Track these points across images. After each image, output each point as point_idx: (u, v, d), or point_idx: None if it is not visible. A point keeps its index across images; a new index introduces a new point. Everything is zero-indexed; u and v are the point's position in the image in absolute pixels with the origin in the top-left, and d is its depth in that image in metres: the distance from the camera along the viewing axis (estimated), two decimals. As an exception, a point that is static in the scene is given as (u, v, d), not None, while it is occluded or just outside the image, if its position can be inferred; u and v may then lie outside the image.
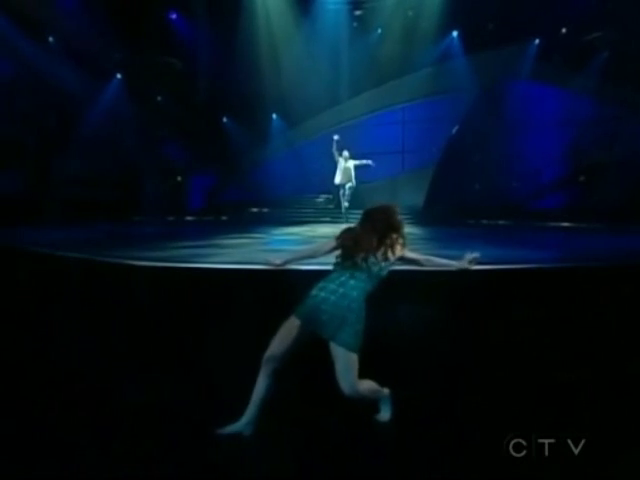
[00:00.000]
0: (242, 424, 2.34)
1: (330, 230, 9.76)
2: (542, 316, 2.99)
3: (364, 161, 9.93)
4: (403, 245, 2.56)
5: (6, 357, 3.19)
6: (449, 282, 2.97)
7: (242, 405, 2.35)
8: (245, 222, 11.85)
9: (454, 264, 2.77)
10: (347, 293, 2.33)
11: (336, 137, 9.84)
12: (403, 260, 2.58)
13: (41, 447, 2.21)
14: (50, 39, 12.06)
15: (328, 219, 12.49)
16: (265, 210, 14.13)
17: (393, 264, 2.50)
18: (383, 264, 2.44)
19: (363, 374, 2.26)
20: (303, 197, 14.39)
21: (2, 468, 2.05)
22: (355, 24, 13.48)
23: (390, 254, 2.46)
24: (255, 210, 14.32)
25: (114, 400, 2.61)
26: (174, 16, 13.32)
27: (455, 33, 12.94)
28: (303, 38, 12.86)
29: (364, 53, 13.23)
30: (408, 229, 9.05)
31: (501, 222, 12.04)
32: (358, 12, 13.28)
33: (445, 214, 12.38)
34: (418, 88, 13.08)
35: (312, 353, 2.35)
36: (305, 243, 6.81)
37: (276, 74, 13.20)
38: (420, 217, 12.43)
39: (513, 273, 3.44)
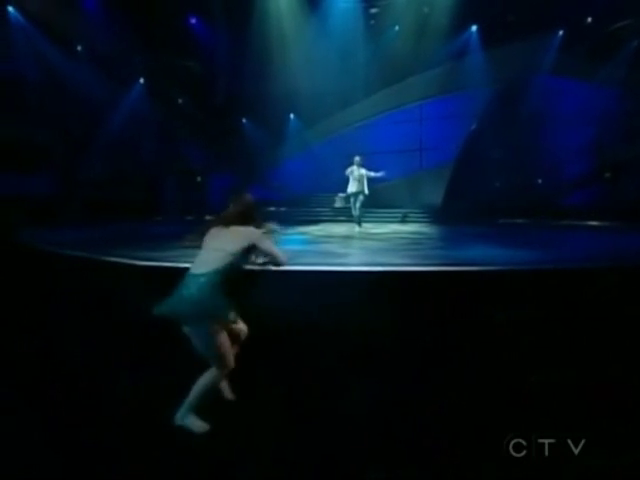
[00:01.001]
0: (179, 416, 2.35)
1: (342, 229, 9.81)
2: (542, 316, 2.93)
3: (378, 173, 9.60)
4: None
5: (14, 350, 3.33)
6: (448, 281, 2.95)
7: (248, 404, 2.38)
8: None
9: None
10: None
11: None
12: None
13: (50, 440, 2.29)
14: (78, 48, 12.58)
15: (343, 218, 12.51)
16: (282, 209, 14.23)
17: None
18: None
19: (364, 374, 2.27)
20: (320, 196, 14.43)
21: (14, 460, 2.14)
22: (371, 22, 13.43)
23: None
24: (273, 209, 14.45)
25: (114, 396, 2.68)
26: (193, 20, 13.57)
27: (474, 27, 12.73)
28: (319, 38, 12.87)
29: (381, 51, 13.18)
30: (424, 228, 8.92)
31: (520, 221, 11.77)
32: (374, 10, 13.23)
33: (464, 212, 12.20)
34: (436, 85, 12.92)
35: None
36: (313, 243, 6.84)
37: (293, 75, 13.28)
38: (438, 216, 12.30)
39: (509, 274, 3.39)
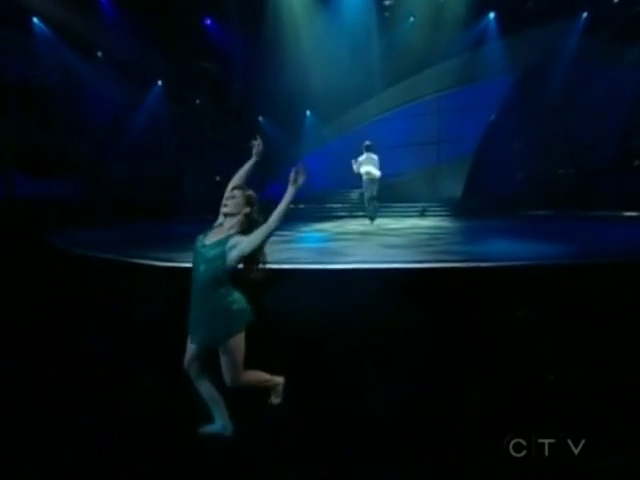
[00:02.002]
0: (218, 426, 2.38)
1: (359, 226, 9.78)
2: (542, 316, 2.90)
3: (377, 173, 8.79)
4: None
5: (43, 345, 3.51)
6: (447, 280, 2.94)
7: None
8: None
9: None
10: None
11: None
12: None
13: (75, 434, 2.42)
14: (99, 54, 12.97)
15: (360, 214, 12.49)
16: (301, 206, 14.30)
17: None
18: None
19: (362, 371, 2.31)
20: (337, 192, 14.44)
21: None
22: (385, 14, 13.28)
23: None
24: (291, 207, 14.52)
25: (138, 392, 2.80)
26: (208, 22, 13.75)
27: (492, 15, 12.42)
28: (333, 33, 12.83)
29: (396, 43, 13.02)
30: (443, 222, 8.79)
31: (543, 213, 11.46)
32: (388, 2, 13.08)
33: (484, 206, 11.98)
34: (453, 76, 12.72)
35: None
36: (330, 240, 6.86)
37: (308, 71, 13.28)
38: (457, 209, 12.12)
39: (512, 270, 3.34)
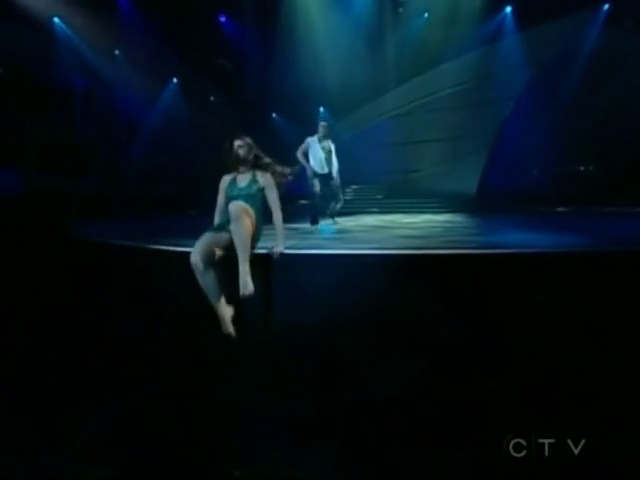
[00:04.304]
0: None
1: (374, 219, 9.75)
2: (543, 316, 2.89)
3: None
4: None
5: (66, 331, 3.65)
6: (449, 272, 2.96)
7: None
8: (294, 214, 12.11)
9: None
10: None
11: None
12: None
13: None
14: (116, 52, 13.18)
15: (376, 209, 12.46)
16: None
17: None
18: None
19: (361, 368, 2.34)
20: (351, 188, 14.41)
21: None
22: (399, 10, 13.15)
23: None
24: (305, 202, 14.57)
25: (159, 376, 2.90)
26: (223, 19, 13.83)
27: (508, 9, 12.19)
28: (347, 29, 12.76)
29: (410, 39, 12.88)
30: (455, 217, 8.65)
31: (562, 209, 11.24)
32: (402, -3, 12.97)
33: (500, 201, 11.82)
34: (469, 71, 12.51)
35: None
36: (345, 232, 6.87)
37: (322, 67, 13.26)
38: (473, 204, 11.99)
39: (517, 259, 3.32)
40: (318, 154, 6.79)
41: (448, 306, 3.06)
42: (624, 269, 3.17)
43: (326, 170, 6.83)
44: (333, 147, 6.95)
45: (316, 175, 6.84)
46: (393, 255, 3.78)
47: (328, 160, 6.83)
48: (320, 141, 6.85)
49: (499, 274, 3.23)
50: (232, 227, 3.03)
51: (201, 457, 2.24)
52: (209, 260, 3.00)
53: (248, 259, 3.00)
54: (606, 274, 3.14)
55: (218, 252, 3.09)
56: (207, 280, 2.98)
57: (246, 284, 2.93)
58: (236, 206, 3.11)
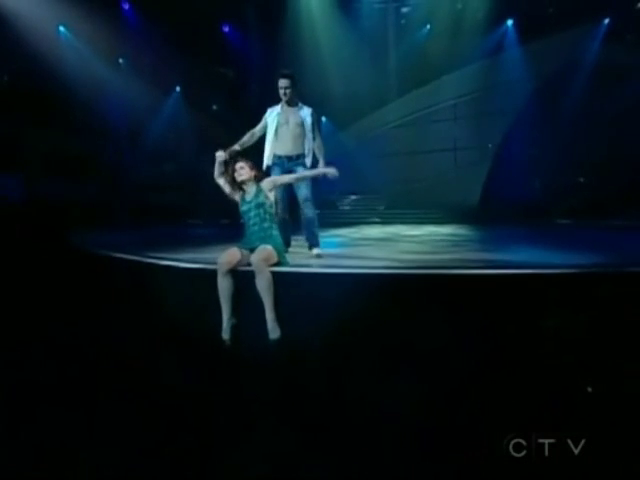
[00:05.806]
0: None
1: (377, 231, 9.73)
2: (543, 317, 2.83)
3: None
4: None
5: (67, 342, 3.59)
6: (453, 283, 2.90)
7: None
8: (296, 225, 12.06)
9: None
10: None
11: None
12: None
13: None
14: (120, 60, 13.37)
15: (377, 220, 12.46)
16: (317, 212, 14.33)
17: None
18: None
19: (360, 371, 2.29)
20: (354, 198, 14.45)
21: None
22: (402, 21, 13.34)
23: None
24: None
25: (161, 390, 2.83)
26: (227, 29, 14.05)
27: (510, 22, 12.34)
28: (350, 40, 12.92)
29: (413, 50, 13.03)
30: (458, 230, 8.57)
31: (564, 222, 11.18)
32: (405, 9, 13.15)
33: (502, 213, 11.79)
34: (470, 82, 12.64)
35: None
36: (349, 245, 6.87)
37: (325, 77, 13.40)
38: (475, 217, 11.96)
39: (521, 277, 3.26)
40: (281, 129, 4.72)
41: (459, 327, 2.99)
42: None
43: (292, 152, 4.74)
44: (310, 120, 4.80)
45: (277, 162, 4.78)
46: (404, 275, 3.70)
47: (297, 137, 4.72)
48: (284, 110, 4.78)
49: (516, 295, 3.13)
50: (256, 280, 3.28)
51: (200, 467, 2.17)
52: (232, 267, 3.38)
53: (273, 307, 3.24)
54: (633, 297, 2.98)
55: (242, 264, 3.44)
56: (224, 283, 3.33)
57: (274, 329, 3.21)
58: (256, 260, 3.32)
